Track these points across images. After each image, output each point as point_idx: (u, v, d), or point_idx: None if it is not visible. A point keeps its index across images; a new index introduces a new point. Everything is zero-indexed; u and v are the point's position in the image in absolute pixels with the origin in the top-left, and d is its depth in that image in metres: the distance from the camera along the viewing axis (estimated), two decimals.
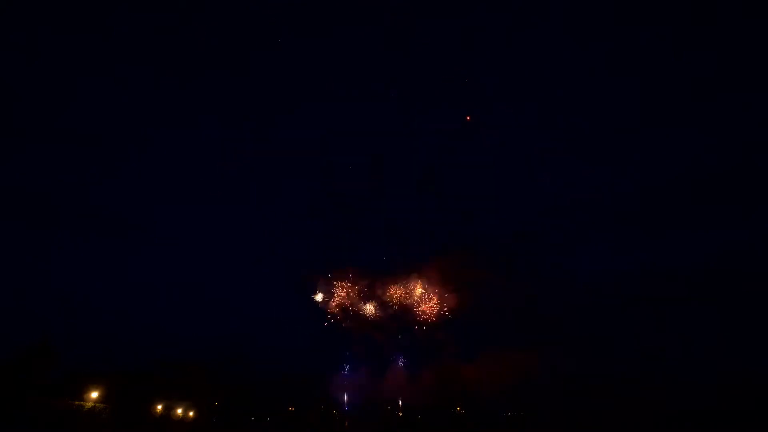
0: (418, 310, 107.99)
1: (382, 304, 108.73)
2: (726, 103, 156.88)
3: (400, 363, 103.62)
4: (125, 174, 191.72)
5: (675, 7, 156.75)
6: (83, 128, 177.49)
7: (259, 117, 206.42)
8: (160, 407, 64.51)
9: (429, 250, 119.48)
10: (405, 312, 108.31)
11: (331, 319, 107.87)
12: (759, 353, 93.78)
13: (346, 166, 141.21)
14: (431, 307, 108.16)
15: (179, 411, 71.20)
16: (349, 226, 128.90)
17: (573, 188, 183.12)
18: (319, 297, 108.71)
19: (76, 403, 43.54)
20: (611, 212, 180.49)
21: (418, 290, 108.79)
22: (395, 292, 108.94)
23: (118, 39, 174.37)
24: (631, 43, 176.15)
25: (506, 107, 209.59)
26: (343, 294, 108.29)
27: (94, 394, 52.33)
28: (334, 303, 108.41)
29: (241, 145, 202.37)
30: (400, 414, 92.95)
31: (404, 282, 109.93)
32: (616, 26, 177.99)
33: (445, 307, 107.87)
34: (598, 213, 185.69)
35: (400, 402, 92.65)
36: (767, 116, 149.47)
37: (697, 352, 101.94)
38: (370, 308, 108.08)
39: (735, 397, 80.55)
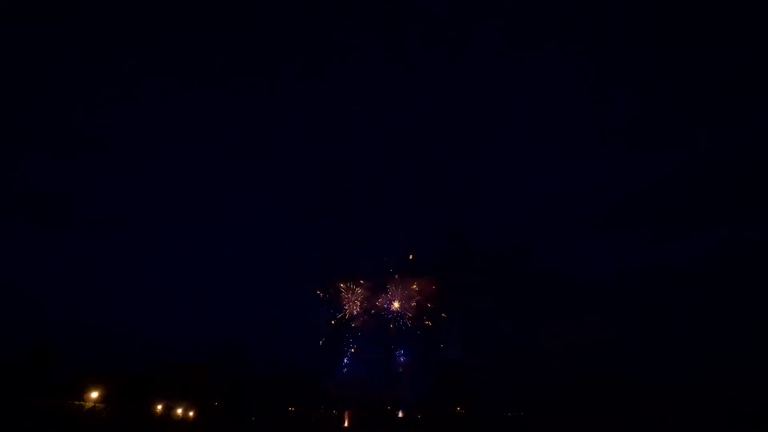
0: (417, 310, 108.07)
1: (384, 304, 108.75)
2: (727, 103, 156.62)
3: (401, 363, 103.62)
4: (127, 176, 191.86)
5: (675, 8, 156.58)
6: (85, 130, 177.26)
7: (257, 122, 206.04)
8: (160, 407, 64.44)
9: (427, 250, 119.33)
10: (406, 312, 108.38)
11: (332, 318, 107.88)
12: (760, 353, 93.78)
13: (343, 170, 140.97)
14: (431, 307, 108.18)
15: (179, 411, 71.14)
16: (347, 227, 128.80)
17: (573, 188, 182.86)
18: (321, 295, 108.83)
19: (76, 403, 43.48)
20: (611, 212, 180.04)
21: (417, 291, 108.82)
22: (395, 292, 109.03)
23: (120, 43, 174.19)
24: (631, 43, 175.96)
25: (506, 107, 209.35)
26: (344, 293, 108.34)
27: (94, 394, 52.31)
28: (335, 303, 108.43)
29: (242, 147, 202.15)
30: (401, 414, 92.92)
31: (403, 283, 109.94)
32: (615, 27, 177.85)
33: (443, 306, 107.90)
34: (597, 213, 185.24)
35: (401, 401, 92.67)
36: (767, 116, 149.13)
37: (698, 352, 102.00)
38: (371, 307, 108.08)
39: (736, 396, 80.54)
